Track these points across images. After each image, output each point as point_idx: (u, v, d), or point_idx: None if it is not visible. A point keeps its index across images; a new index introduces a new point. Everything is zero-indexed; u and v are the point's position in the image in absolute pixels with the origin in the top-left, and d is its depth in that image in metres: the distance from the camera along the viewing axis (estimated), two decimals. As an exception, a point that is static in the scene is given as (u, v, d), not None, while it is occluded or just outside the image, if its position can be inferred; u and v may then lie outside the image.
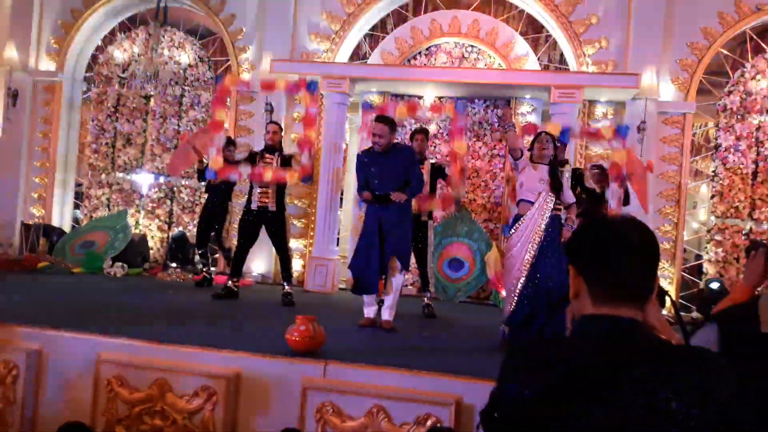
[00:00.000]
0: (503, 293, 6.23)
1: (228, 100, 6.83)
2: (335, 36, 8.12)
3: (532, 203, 4.59)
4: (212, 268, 7.50)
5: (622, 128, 6.02)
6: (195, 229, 8.29)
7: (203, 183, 7.44)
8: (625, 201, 6.00)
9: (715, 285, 6.88)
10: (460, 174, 5.93)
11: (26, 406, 3.81)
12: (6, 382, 3.82)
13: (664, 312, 5.52)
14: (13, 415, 3.82)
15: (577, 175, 5.97)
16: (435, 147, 7.85)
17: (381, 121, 4.90)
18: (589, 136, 6.46)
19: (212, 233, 7.19)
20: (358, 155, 5.27)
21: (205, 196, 7.43)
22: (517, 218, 4.69)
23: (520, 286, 4.47)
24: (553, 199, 4.60)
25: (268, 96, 7.90)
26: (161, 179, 8.63)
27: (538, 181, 4.62)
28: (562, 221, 4.80)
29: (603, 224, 1.27)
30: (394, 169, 4.87)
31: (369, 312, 5.02)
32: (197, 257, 7.63)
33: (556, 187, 4.59)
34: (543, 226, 4.50)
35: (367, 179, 4.98)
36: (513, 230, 4.64)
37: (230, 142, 6.79)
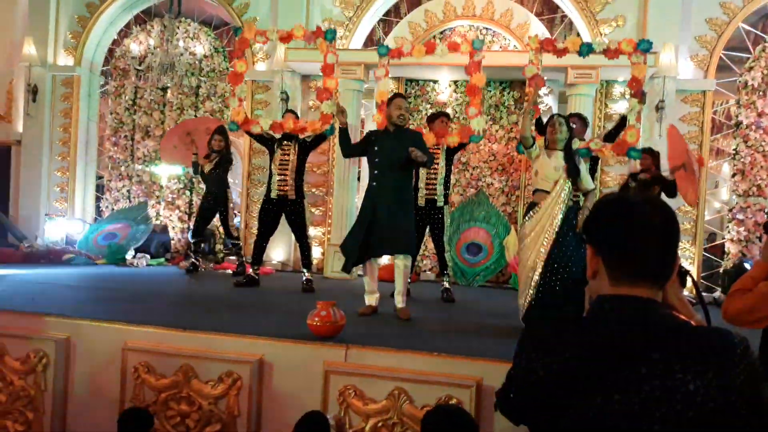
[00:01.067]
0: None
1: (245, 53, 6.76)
2: (349, 22, 8.10)
3: (548, 193, 4.35)
4: (231, 257, 7.55)
5: (643, 42, 5.84)
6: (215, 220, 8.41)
7: (196, 175, 7.48)
8: (672, 193, 5.83)
9: (748, 265, 6.78)
10: (479, 106, 5.91)
11: (56, 393, 3.91)
12: (36, 370, 3.92)
13: (686, 292, 5.48)
14: (45, 401, 3.92)
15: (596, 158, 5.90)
16: (452, 130, 7.81)
17: (404, 98, 4.89)
18: (609, 54, 6.16)
19: (209, 224, 7.21)
20: (368, 132, 5.14)
21: (202, 187, 7.46)
22: (532, 206, 4.46)
23: (536, 277, 4.24)
24: (570, 187, 4.35)
25: (283, 84, 7.92)
26: (181, 171, 8.71)
27: (554, 168, 4.37)
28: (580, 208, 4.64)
29: (621, 203, 1.25)
30: (397, 150, 4.66)
31: (370, 300, 4.88)
32: (196, 246, 7.58)
33: (572, 173, 4.32)
34: (560, 217, 4.26)
35: (368, 153, 4.84)
36: (527, 219, 4.40)
37: (221, 131, 6.83)
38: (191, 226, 7.56)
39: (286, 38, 6.55)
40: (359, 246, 4.69)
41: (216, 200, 7.02)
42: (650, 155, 6.02)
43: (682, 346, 1.11)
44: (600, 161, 5.98)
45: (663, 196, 5.67)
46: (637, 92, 5.64)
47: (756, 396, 1.09)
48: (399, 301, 4.77)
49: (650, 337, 1.13)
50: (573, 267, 4.18)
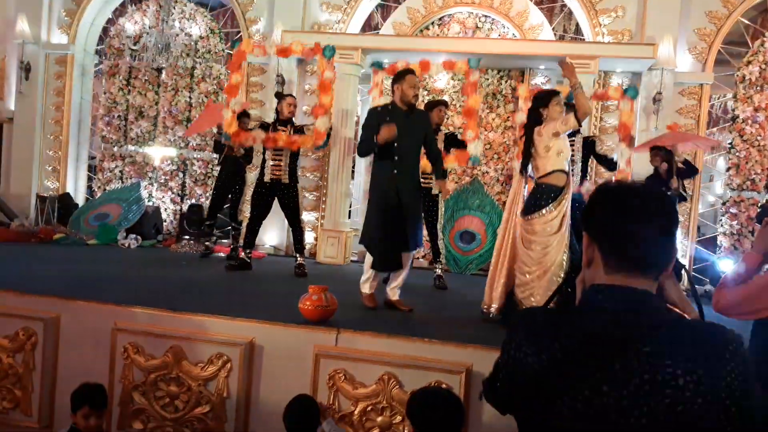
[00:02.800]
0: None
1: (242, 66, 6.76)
2: (347, 6, 8.03)
3: (566, 174, 4.13)
4: (223, 240, 7.51)
5: (630, 89, 5.96)
6: (207, 202, 8.37)
7: (216, 156, 7.42)
8: (693, 171, 6.02)
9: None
10: (476, 129, 5.87)
11: (45, 372, 3.90)
12: (25, 349, 3.90)
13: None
14: (33, 380, 3.91)
15: (589, 143, 5.90)
16: (448, 119, 7.78)
17: (414, 74, 4.56)
18: (598, 98, 6.33)
19: (225, 205, 7.19)
20: (370, 110, 4.76)
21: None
22: (550, 190, 4.08)
23: (565, 268, 3.99)
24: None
25: (279, 68, 7.86)
26: (174, 152, 8.64)
27: (566, 147, 4.18)
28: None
29: (618, 191, 1.22)
30: (415, 132, 4.46)
31: (369, 287, 4.59)
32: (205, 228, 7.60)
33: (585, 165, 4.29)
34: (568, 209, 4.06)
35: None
36: (551, 206, 4.02)
37: (245, 114, 6.77)
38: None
39: (283, 53, 6.55)
40: (391, 244, 4.40)
41: (231, 183, 6.95)
42: (660, 151, 5.99)
43: (673, 340, 1.10)
44: (596, 144, 5.99)
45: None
46: (626, 137, 5.73)
47: (745, 394, 1.08)
48: (396, 294, 4.61)
49: (642, 330, 1.11)
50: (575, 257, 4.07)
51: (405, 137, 4.38)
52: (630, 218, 1.17)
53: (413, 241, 4.48)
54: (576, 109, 4.04)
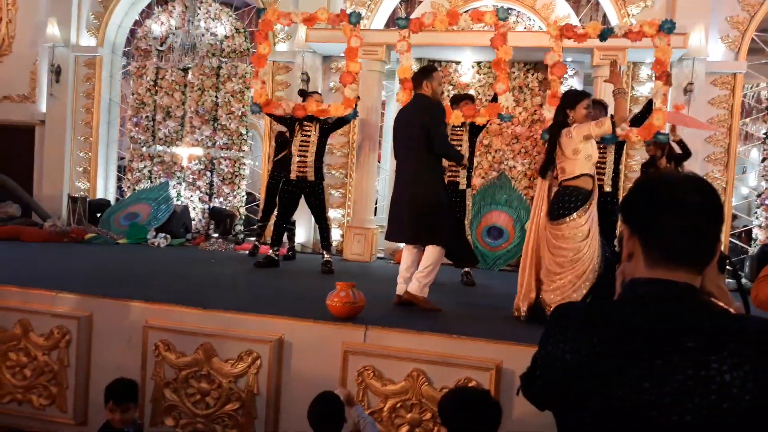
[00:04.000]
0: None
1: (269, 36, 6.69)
2: (370, 2, 8.01)
3: (592, 177, 4.01)
4: (251, 237, 7.52)
5: (666, 23, 5.73)
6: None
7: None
8: (687, 154, 5.83)
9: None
10: (507, 81, 5.72)
11: (79, 369, 3.97)
12: (60, 346, 3.97)
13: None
14: (68, 377, 3.98)
15: (621, 141, 5.78)
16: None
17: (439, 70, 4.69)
18: (631, 36, 6.05)
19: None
20: (442, 106, 4.58)
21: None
22: (579, 192, 3.96)
23: (594, 273, 3.90)
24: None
25: (304, 65, 7.88)
26: (201, 152, 8.72)
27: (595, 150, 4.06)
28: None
29: (660, 182, 1.18)
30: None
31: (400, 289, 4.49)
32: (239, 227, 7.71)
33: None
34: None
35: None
36: (583, 210, 3.91)
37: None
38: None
39: (309, 21, 6.49)
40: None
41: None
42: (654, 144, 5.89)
43: (718, 335, 1.06)
44: (626, 145, 5.86)
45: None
46: (662, 74, 5.51)
47: None
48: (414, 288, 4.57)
49: (685, 325, 1.07)
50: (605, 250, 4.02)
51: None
52: (671, 210, 1.13)
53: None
54: (614, 113, 3.93)
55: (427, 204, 4.32)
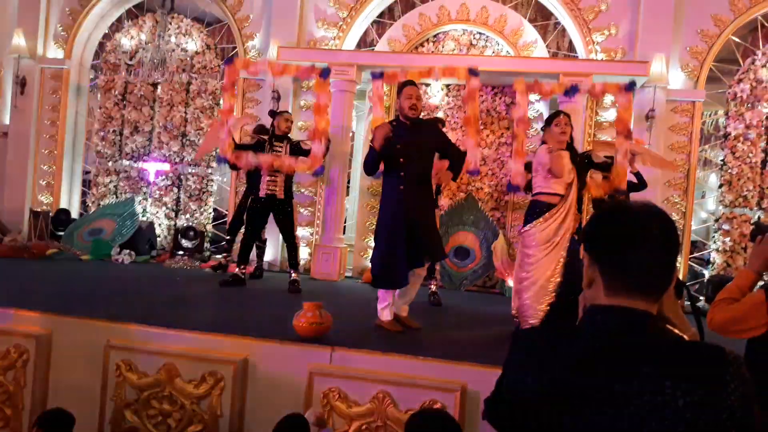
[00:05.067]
0: (509, 282, 6.24)
1: (236, 85, 6.79)
2: (342, 23, 8.09)
3: (560, 196, 4.21)
4: (217, 255, 7.48)
5: (629, 84, 5.97)
6: (202, 217, 8.36)
7: (224, 164, 7.12)
8: (641, 185, 5.97)
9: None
10: (476, 137, 5.81)
11: (36, 390, 3.86)
12: (17, 366, 3.86)
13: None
14: (24, 398, 3.87)
15: (584, 159, 5.92)
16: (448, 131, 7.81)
17: (414, 85, 4.41)
18: (595, 95, 6.37)
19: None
20: (376, 126, 4.50)
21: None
22: (542, 207, 4.22)
23: (555, 283, 4.09)
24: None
25: (275, 83, 7.89)
26: (168, 167, 8.64)
27: (567, 171, 4.19)
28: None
29: (622, 212, 1.21)
30: (422, 146, 4.34)
31: (389, 314, 4.42)
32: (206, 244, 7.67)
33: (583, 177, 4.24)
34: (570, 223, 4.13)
35: (388, 155, 4.29)
36: (540, 222, 4.15)
37: (263, 131, 6.74)
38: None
39: (278, 73, 6.55)
40: (396, 261, 4.25)
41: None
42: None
43: (673, 361, 1.09)
44: (592, 156, 6.04)
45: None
46: (623, 130, 5.78)
47: (747, 416, 1.08)
48: (406, 311, 4.59)
49: (642, 351, 1.11)
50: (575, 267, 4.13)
51: (411, 152, 4.28)
52: (631, 240, 1.16)
53: (430, 253, 4.42)
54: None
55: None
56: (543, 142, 4.43)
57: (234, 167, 6.62)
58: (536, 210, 4.27)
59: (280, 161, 5.98)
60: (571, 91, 6.04)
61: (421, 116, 4.54)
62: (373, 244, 4.65)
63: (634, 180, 5.95)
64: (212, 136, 7.23)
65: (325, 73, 6.16)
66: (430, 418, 2.84)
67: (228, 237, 7.26)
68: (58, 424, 3.05)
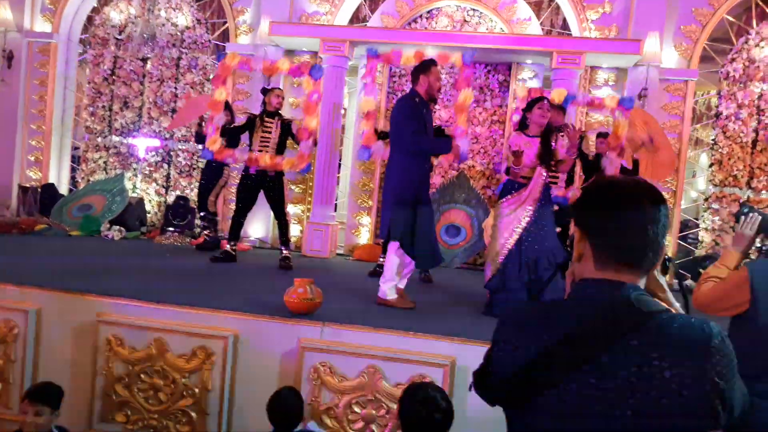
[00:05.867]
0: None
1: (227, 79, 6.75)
2: (335, -2, 7.98)
3: (529, 179, 4.43)
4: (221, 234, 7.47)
5: (626, 100, 6.03)
6: (192, 193, 8.33)
7: (201, 146, 7.41)
8: (634, 171, 5.99)
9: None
10: (466, 125, 5.83)
11: (26, 365, 3.87)
12: (7, 341, 3.86)
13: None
14: (14, 372, 3.87)
15: (580, 137, 5.96)
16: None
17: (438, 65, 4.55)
18: (592, 106, 6.48)
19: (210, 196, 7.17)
20: (412, 101, 4.45)
21: (180, 160, 7.42)
22: (511, 185, 4.49)
23: (504, 252, 4.35)
24: (547, 171, 4.45)
25: (266, 57, 7.80)
26: (158, 143, 8.57)
27: (536, 156, 4.38)
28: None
29: (612, 186, 1.23)
30: (431, 124, 4.56)
31: (395, 291, 4.48)
32: (197, 220, 7.67)
33: (545, 159, 4.38)
34: (538, 200, 4.38)
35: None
36: (505, 200, 4.47)
37: (227, 107, 6.72)
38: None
39: (269, 70, 6.45)
40: (429, 240, 4.42)
41: (214, 173, 7.07)
42: (606, 140, 6.08)
43: (660, 334, 1.11)
44: (583, 140, 6.07)
45: None
46: (616, 147, 5.84)
47: (730, 388, 1.10)
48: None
49: (630, 323, 1.12)
50: (547, 243, 4.31)
51: (429, 131, 4.47)
52: (622, 216, 1.18)
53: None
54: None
55: (388, 199, 4.47)
56: (520, 125, 4.60)
57: (218, 162, 6.70)
58: (507, 189, 4.54)
59: (266, 162, 5.94)
60: (569, 99, 6.17)
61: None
62: (377, 219, 4.77)
63: (629, 167, 5.99)
64: (189, 108, 7.22)
65: (316, 73, 6.09)
66: (424, 395, 2.84)
67: (200, 214, 7.33)
68: (47, 397, 3.04)
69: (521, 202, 4.38)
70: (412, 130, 4.32)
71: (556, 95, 6.06)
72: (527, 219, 4.34)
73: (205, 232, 7.23)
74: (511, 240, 4.33)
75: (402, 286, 4.54)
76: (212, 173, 7.11)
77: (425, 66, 4.47)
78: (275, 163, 5.97)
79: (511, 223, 4.37)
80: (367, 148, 6.27)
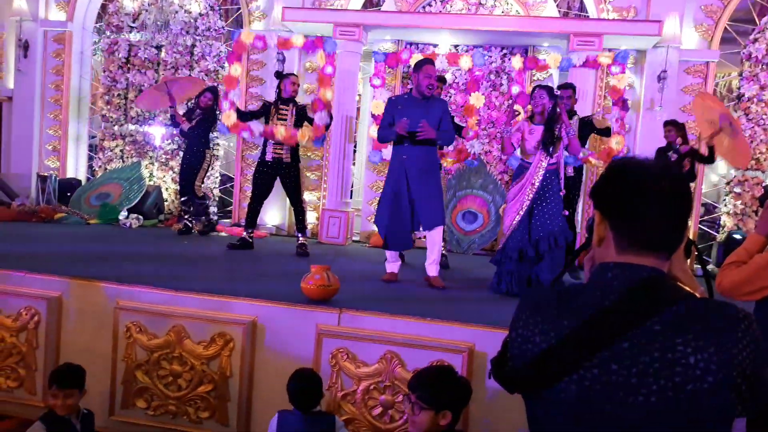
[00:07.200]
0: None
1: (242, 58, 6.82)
2: (348, -18, 7.91)
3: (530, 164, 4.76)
4: (225, 220, 7.50)
5: (620, 54, 6.05)
6: (209, 181, 8.34)
7: (175, 131, 7.75)
8: (710, 159, 5.93)
9: (738, 236, 6.78)
10: (476, 128, 5.91)
11: (48, 351, 3.91)
12: (29, 328, 3.91)
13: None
14: (36, 359, 3.92)
15: (586, 123, 5.88)
16: (450, 97, 7.72)
17: (432, 64, 4.76)
18: (589, 65, 6.48)
19: (193, 182, 7.17)
20: (389, 98, 5.05)
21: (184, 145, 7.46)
22: (520, 170, 4.84)
23: (507, 233, 4.73)
24: (548, 158, 4.65)
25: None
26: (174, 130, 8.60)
27: (535, 143, 4.69)
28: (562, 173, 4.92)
29: (632, 168, 1.19)
30: (428, 118, 4.65)
31: (392, 267, 4.93)
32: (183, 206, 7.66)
33: (546, 145, 4.62)
34: (537, 184, 4.64)
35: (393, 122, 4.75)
36: (512, 184, 4.88)
37: (213, 90, 6.91)
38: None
39: (283, 45, 6.51)
40: (398, 224, 4.77)
41: (194, 158, 7.07)
42: (674, 127, 6.09)
43: (684, 318, 1.08)
44: (593, 122, 5.97)
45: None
46: (618, 100, 5.86)
47: (756, 374, 1.07)
48: (432, 270, 4.82)
49: (652, 308, 1.09)
50: (551, 226, 4.58)
51: (418, 123, 4.60)
52: (643, 197, 1.14)
53: (424, 220, 4.75)
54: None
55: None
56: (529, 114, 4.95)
57: (181, 131, 6.99)
58: (518, 173, 4.91)
59: (282, 134, 5.94)
60: (566, 63, 6.33)
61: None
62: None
63: (705, 153, 5.88)
64: (153, 98, 7.35)
65: (329, 46, 6.10)
66: (437, 373, 2.85)
67: (181, 199, 7.38)
68: (70, 378, 3.11)
69: (523, 186, 4.71)
70: (379, 126, 4.99)
71: (551, 60, 6.33)
72: (527, 202, 4.66)
73: (186, 216, 7.26)
74: (516, 219, 4.67)
75: (432, 271, 4.86)
76: (194, 157, 7.08)
77: (417, 64, 4.74)
78: (290, 135, 5.96)
79: (515, 205, 4.72)
80: (378, 151, 6.34)
